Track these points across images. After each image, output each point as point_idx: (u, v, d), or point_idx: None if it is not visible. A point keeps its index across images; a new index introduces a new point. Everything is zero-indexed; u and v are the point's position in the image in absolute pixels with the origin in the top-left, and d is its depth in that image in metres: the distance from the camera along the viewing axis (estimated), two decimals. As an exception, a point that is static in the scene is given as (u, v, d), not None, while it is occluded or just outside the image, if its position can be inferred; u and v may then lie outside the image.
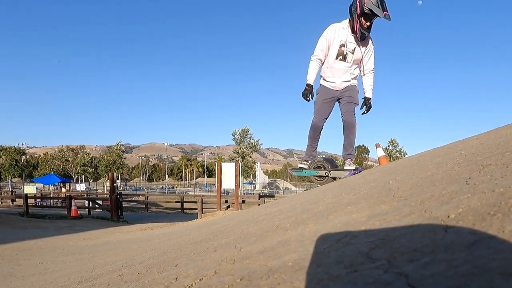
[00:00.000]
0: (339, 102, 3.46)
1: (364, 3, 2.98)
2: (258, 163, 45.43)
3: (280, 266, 0.90)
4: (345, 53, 3.26)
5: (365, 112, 3.47)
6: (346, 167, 3.48)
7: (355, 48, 3.25)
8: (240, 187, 10.18)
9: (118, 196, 11.66)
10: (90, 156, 69.08)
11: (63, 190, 26.71)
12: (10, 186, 42.52)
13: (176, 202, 18.18)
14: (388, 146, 53.37)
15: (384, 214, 1.14)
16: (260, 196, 12.00)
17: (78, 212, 10.96)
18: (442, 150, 2.78)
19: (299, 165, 3.83)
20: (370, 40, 3.33)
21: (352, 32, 3.22)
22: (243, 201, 10.25)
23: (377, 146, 6.13)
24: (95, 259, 3.20)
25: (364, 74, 3.45)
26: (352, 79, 3.39)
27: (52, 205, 17.42)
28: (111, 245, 4.36)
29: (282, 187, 45.98)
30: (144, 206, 17.12)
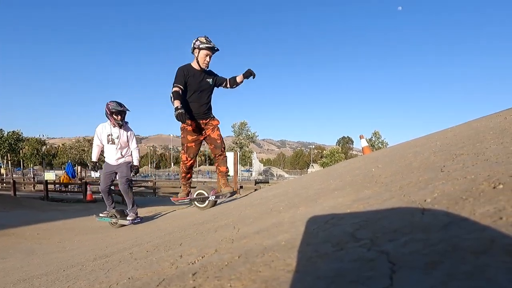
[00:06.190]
0: (116, 174, 4.43)
1: (110, 107, 4.11)
2: (254, 152, 45.48)
3: (274, 245, 0.90)
4: (112, 139, 4.26)
5: (134, 175, 4.56)
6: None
7: (119, 135, 4.25)
8: (238, 174, 10.17)
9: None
10: (104, 146, 68.49)
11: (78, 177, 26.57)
12: (32, 173, 42.24)
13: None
14: (372, 137, 53.27)
15: (367, 198, 1.14)
16: (256, 182, 11.98)
17: (93, 196, 10.93)
18: (419, 141, 2.79)
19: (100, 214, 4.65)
20: (129, 129, 4.39)
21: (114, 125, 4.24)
22: (241, 187, 10.21)
23: (361, 137, 6.14)
24: (108, 239, 3.20)
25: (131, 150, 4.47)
26: (124, 156, 4.37)
27: (69, 190, 17.36)
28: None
29: (276, 174, 46.08)
30: (152, 191, 17.07)
